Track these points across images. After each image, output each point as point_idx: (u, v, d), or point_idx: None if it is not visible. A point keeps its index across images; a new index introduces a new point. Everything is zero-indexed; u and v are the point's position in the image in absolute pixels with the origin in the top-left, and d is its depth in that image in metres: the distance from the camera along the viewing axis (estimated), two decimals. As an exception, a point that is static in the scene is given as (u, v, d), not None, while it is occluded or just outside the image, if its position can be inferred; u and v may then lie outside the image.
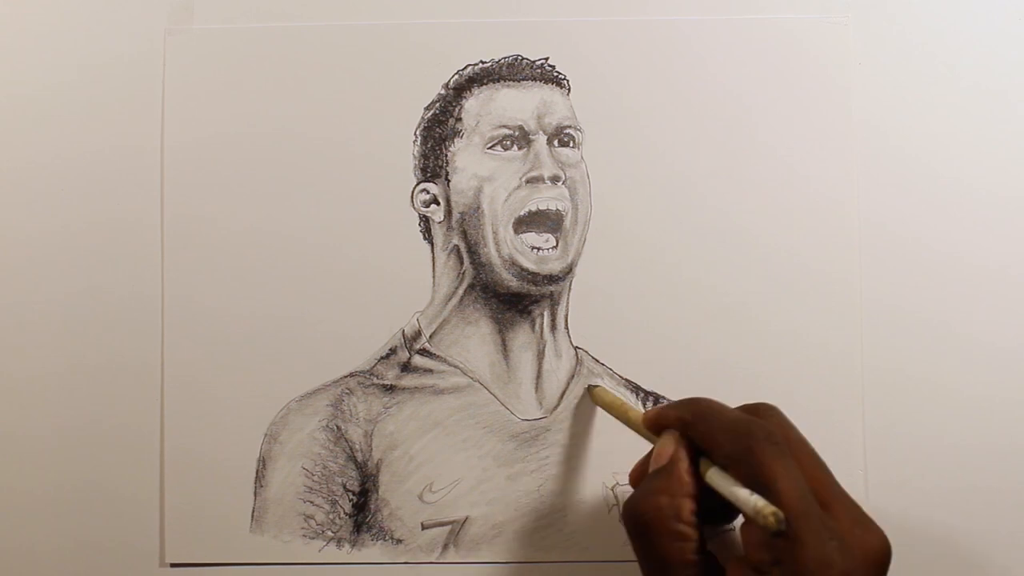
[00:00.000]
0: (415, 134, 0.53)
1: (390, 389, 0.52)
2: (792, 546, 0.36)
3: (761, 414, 0.41)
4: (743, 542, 0.38)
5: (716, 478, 0.39)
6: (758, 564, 0.37)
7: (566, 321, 0.52)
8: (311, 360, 0.52)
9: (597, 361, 0.52)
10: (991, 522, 0.52)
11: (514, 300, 0.52)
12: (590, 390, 0.51)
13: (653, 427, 0.44)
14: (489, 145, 0.52)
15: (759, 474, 0.37)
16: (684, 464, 0.40)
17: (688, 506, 0.39)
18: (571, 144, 0.53)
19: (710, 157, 0.53)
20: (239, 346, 0.52)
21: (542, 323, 0.52)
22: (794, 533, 0.35)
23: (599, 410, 0.52)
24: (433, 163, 0.53)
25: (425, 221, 0.53)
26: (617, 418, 0.48)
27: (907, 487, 0.52)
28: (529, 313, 0.52)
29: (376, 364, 0.52)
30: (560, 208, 0.52)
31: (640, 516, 0.39)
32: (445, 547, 0.52)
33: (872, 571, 0.37)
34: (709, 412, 0.41)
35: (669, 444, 0.41)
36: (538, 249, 0.52)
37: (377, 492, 0.52)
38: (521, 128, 0.52)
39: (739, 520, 0.43)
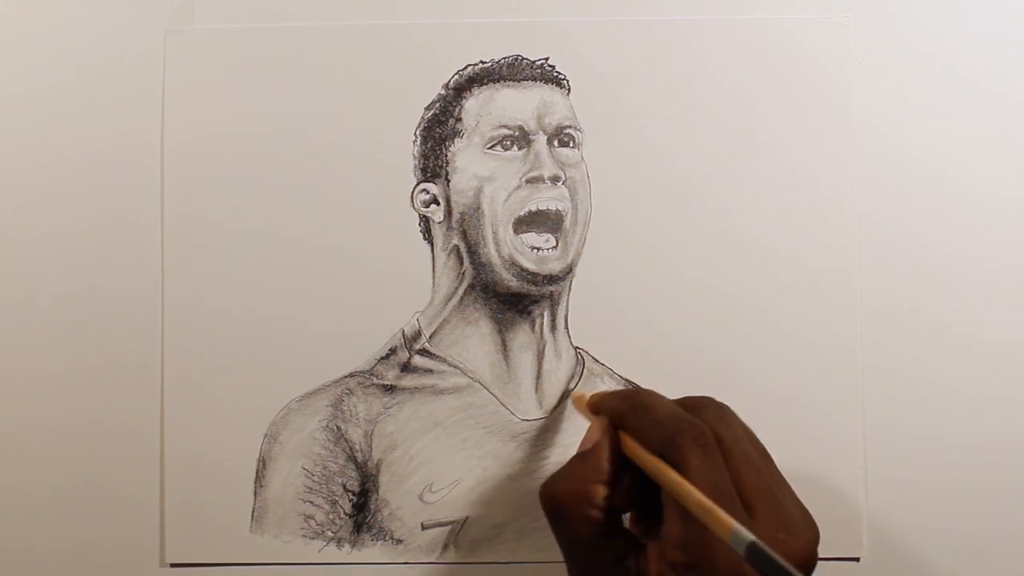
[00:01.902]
0: (415, 134, 0.53)
1: (390, 389, 0.52)
2: (704, 549, 0.36)
3: (699, 410, 0.41)
4: (663, 536, 0.38)
5: (638, 454, 0.40)
6: (673, 562, 0.37)
7: (566, 321, 0.52)
8: (311, 360, 0.52)
9: (597, 361, 0.52)
10: (991, 522, 0.52)
11: (514, 300, 0.52)
12: (571, 399, 0.51)
13: (593, 410, 0.44)
14: (489, 145, 0.52)
15: (677, 469, 0.37)
16: (604, 452, 0.41)
17: (601, 492, 0.40)
18: (571, 144, 0.53)
19: (710, 157, 0.53)
20: (239, 346, 0.52)
21: (542, 323, 0.52)
22: (706, 536, 0.35)
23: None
24: (433, 163, 0.53)
25: (425, 221, 0.53)
26: (582, 415, 0.48)
27: (907, 487, 0.52)
28: (529, 313, 0.52)
29: (376, 364, 0.52)
30: (560, 208, 0.52)
31: (552, 498, 0.40)
32: (445, 547, 0.52)
33: None
34: (643, 406, 0.41)
35: (596, 430, 0.42)
36: (538, 249, 0.52)
37: (377, 492, 0.52)
38: (521, 128, 0.52)
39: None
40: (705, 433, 0.38)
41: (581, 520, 0.40)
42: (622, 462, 0.41)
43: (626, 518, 0.43)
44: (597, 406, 0.44)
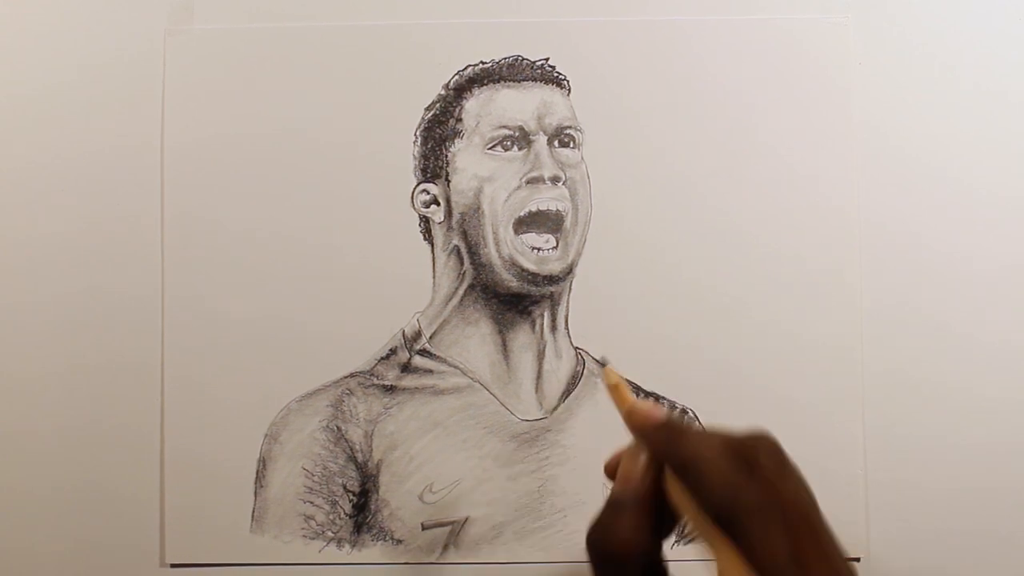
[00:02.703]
0: (415, 135, 0.53)
1: (390, 389, 0.52)
2: None
3: (754, 459, 0.38)
4: None
5: (678, 495, 0.38)
6: None
7: (566, 321, 0.52)
8: (311, 360, 0.52)
9: (597, 361, 0.52)
10: (991, 522, 0.52)
11: (514, 300, 0.52)
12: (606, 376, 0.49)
13: (634, 430, 0.41)
14: (489, 145, 0.52)
15: (742, 544, 0.36)
16: (652, 498, 0.39)
17: (653, 541, 0.39)
18: (571, 144, 0.53)
19: (710, 157, 0.53)
20: (239, 346, 0.52)
21: (542, 323, 0.52)
22: None
23: (599, 410, 0.52)
24: (433, 164, 0.53)
25: (425, 221, 0.53)
26: (610, 395, 0.46)
27: (907, 487, 0.52)
28: (529, 313, 0.52)
29: (376, 364, 0.52)
30: (560, 208, 0.52)
31: (607, 552, 0.38)
32: (445, 547, 0.52)
33: None
34: (694, 462, 0.38)
35: (638, 467, 0.40)
36: (538, 249, 0.52)
37: (377, 492, 0.52)
38: (521, 128, 0.52)
39: None
40: (762, 505, 0.36)
41: (635, 570, 0.38)
42: (662, 501, 0.39)
43: None
44: (642, 430, 0.41)
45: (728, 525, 0.36)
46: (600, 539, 0.39)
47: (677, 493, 0.38)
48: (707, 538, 0.37)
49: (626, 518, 0.39)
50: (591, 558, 0.39)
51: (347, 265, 0.52)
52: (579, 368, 0.52)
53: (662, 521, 0.39)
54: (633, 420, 0.41)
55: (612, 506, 0.40)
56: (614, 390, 0.45)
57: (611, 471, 0.43)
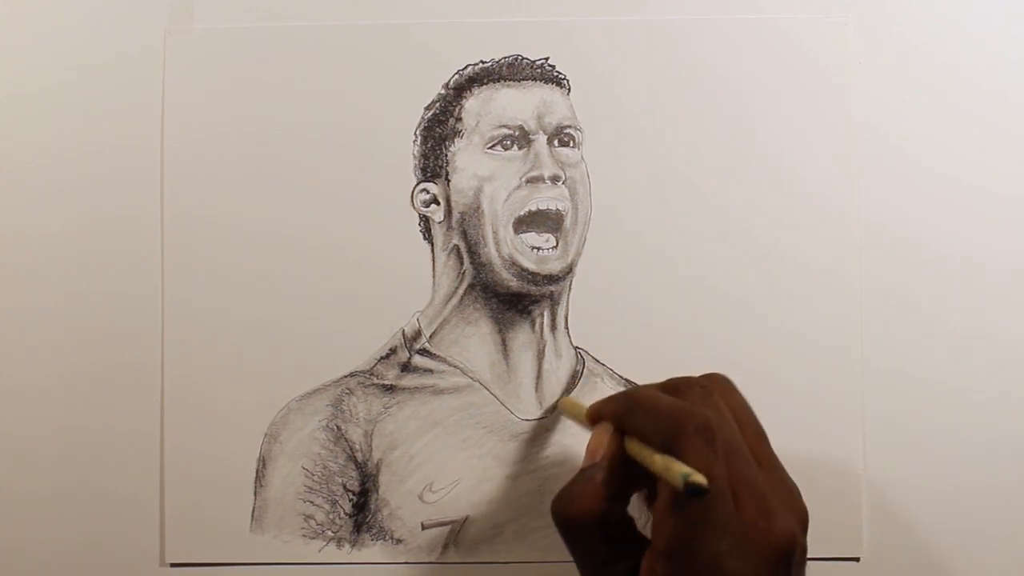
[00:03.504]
0: (415, 134, 0.53)
1: (390, 389, 0.52)
2: (688, 539, 0.36)
3: (684, 393, 0.41)
4: (652, 527, 0.38)
5: (635, 448, 0.40)
6: (659, 552, 0.37)
7: (566, 321, 0.52)
8: (311, 360, 0.52)
9: (597, 361, 0.52)
10: (991, 522, 0.52)
11: (514, 300, 0.52)
12: (558, 404, 0.52)
13: (593, 419, 0.44)
14: (489, 145, 0.52)
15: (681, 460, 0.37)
16: (614, 464, 0.41)
17: (615, 508, 0.41)
18: (571, 144, 0.53)
19: (710, 157, 0.53)
20: (239, 346, 0.52)
21: (542, 323, 0.52)
22: (690, 526, 0.36)
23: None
24: (433, 163, 0.53)
25: (425, 221, 0.53)
26: (576, 422, 0.48)
27: (907, 487, 0.52)
28: (529, 313, 0.52)
29: (376, 364, 0.52)
30: (560, 208, 0.52)
31: (567, 520, 0.40)
32: (445, 547, 0.52)
33: (770, 566, 0.36)
34: (641, 405, 0.41)
35: (602, 439, 0.42)
36: (538, 249, 0.52)
37: (377, 492, 0.52)
38: (521, 128, 0.52)
39: None
40: (705, 422, 0.38)
41: (597, 539, 0.40)
42: (629, 468, 0.41)
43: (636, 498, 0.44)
44: (596, 414, 0.44)
45: (674, 449, 0.38)
46: (559, 507, 0.40)
47: (634, 448, 0.40)
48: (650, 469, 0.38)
49: (585, 484, 0.40)
50: (556, 526, 0.40)
51: (347, 265, 0.52)
52: (579, 368, 0.52)
53: (625, 487, 0.41)
54: (592, 407, 0.44)
55: (577, 476, 0.41)
56: (573, 407, 0.48)
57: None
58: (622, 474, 0.41)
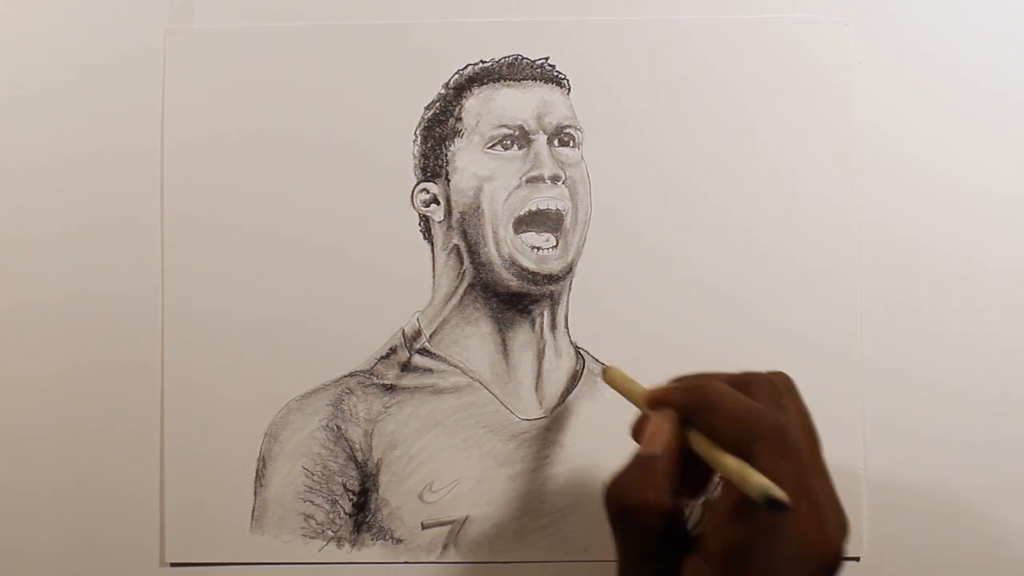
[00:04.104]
0: (415, 134, 0.53)
1: (390, 389, 0.52)
2: (745, 544, 0.36)
3: (754, 392, 0.40)
4: (710, 525, 0.38)
5: (702, 445, 0.39)
6: (711, 554, 0.37)
7: (566, 321, 0.52)
8: (311, 360, 0.52)
9: (597, 361, 0.52)
10: (991, 522, 0.52)
11: (514, 300, 0.52)
12: (605, 372, 0.50)
13: (655, 405, 0.42)
14: (489, 145, 0.52)
15: (756, 467, 0.37)
16: (675, 456, 0.40)
17: (673, 500, 0.39)
18: (571, 144, 0.53)
19: (710, 157, 0.53)
20: (239, 346, 0.52)
21: (542, 323, 0.52)
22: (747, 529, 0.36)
23: (599, 409, 0.52)
24: (433, 163, 0.53)
25: (425, 221, 0.53)
26: (627, 398, 0.47)
27: (907, 487, 0.52)
28: (529, 313, 0.52)
29: (376, 364, 0.52)
30: (560, 208, 0.52)
31: (624, 506, 0.39)
32: (445, 547, 0.52)
33: (818, 574, 0.36)
34: (715, 402, 0.39)
35: (664, 428, 0.41)
36: (538, 249, 0.52)
37: (377, 492, 0.52)
38: (521, 128, 0.52)
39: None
40: (783, 432, 0.37)
41: (654, 532, 0.38)
42: (689, 459, 0.40)
43: None
44: (660, 400, 0.42)
45: (751, 456, 0.37)
46: (621, 495, 0.39)
47: (701, 445, 0.39)
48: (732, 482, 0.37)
49: (646, 475, 0.39)
50: (610, 513, 0.39)
51: (347, 264, 0.52)
52: (579, 367, 0.52)
53: (687, 483, 0.40)
54: (657, 394, 0.42)
55: (637, 463, 0.40)
56: (624, 382, 0.46)
57: (637, 434, 0.44)
58: (680, 466, 0.40)
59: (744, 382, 0.41)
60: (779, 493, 0.35)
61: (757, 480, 0.36)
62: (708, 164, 0.53)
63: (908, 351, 0.52)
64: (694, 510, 0.46)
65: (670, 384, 0.43)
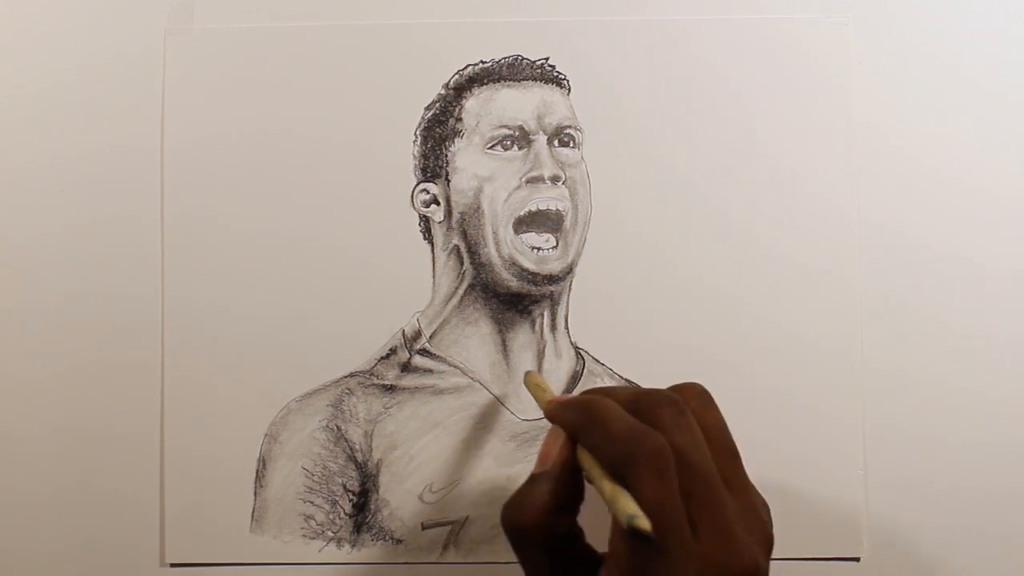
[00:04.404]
0: (415, 134, 0.53)
1: (390, 389, 0.52)
2: (643, 570, 0.35)
3: (656, 413, 0.38)
4: (610, 545, 0.37)
5: (588, 464, 0.38)
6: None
7: (566, 321, 0.52)
8: (311, 360, 0.52)
9: (597, 361, 0.52)
10: (991, 522, 0.52)
11: (514, 300, 0.52)
12: (525, 377, 0.50)
13: (550, 418, 0.42)
14: (489, 145, 0.52)
15: (630, 489, 0.36)
16: (565, 475, 0.39)
17: (564, 520, 0.39)
18: (571, 144, 0.53)
19: (710, 157, 0.53)
20: (239, 346, 0.52)
21: (542, 323, 0.52)
22: (647, 559, 0.35)
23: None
24: (433, 163, 0.53)
25: (425, 221, 0.53)
26: (537, 404, 0.47)
27: (907, 487, 0.52)
28: (529, 313, 0.52)
29: (376, 364, 0.52)
30: (560, 208, 0.52)
31: (515, 529, 0.39)
32: (445, 547, 0.52)
33: None
34: (596, 419, 0.39)
35: (553, 447, 0.40)
36: (538, 249, 0.52)
37: (377, 492, 0.52)
38: (521, 128, 0.52)
39: None
40: (658, 451, 0.36)
41: (543, 550, 0.39)
42: (579, 478, 0.40)
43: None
44: (552, 416, 0.42)
45: (625, 476, 0.36)
46: (508, 514, 0.39)
47: (586, 463, 0.39)
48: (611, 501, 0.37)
49: (535, 494, 0.39)
50: (505, 534, 0.39)
51: (347, 265, 0.52)
52: (579, 368, 0.52)
53: (575, 497, 0.40)
54: (550, 407, 0.42)
55: (526, 483, 0.40)
56: (535, 389, 0.46)
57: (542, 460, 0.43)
58: (571, 484, 0.40)
59: (644, 397, 0.39)
60: (643, 523, 0.34)
61: (623, 506, 0.35)
62: (708, 164, 0.53)
63: (908, 351, 0.52)
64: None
65: (564, 397, 0.43)
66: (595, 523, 0.41)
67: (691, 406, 0.39)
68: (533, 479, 0.40)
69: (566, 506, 0.40)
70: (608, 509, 0.37)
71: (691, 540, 0.35)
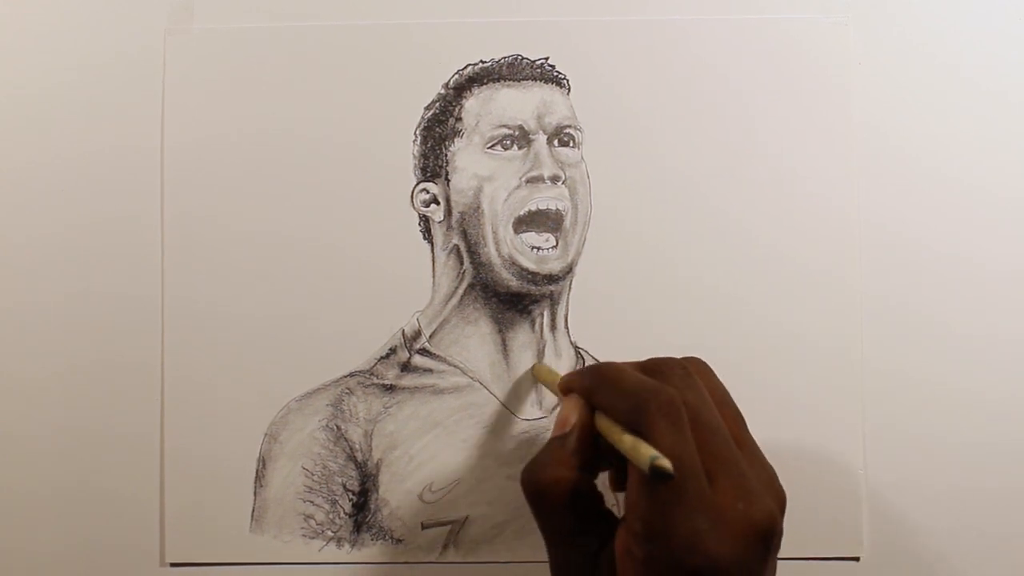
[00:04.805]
0: (415, 134, 0.53)
1: (390, 389, 0.52)
2: (663, 519, 0.36)
3: (664, 374, 0.40)
4: (626, 503, 0.38)
5: (605, 425, 0.40)
6: (635, 533, 0.37)
7: (566, 321, 0.52)
8: (311, 360, 0.52)
9: (597, 361, 0.52)
10: (991, 522, 0.52)
11: (514, 300, 0.52)
12: (533, 369, 0.52)
13: (564, 391, 0.44)
14: (489, 145, 0.52)
15: (645, 439, 0.37)
16: (582, 435, 0.41)
17: (583, 478, 0.40)
18: (571, 144, 0.53)
19: (710, 157, 0.53)
20: (239, 346, 0.52)
21: (542, 323, 0.52)
22: (664, 504, 0.36)
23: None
24: (433, 163, 0.53)
25: (425, 221, 0.53)
26: (550, 391, 0.48)
27: (907, 487, 0.52)
28: (529, 313, 0.52)
29: (376, 364, 0.52)
30: (560, 208, 0.52)
31: (535, 488, 0.40)
32: (445, 547, 0.52)
33: (749, 547, 0.36)
34: (609, 379, 0.40)
35: (572, 411, 0.42)
36: (538, 249, 0.52)
37: (377, 492, 0.52)
38: (521, 128, 0.52)
39: None
40: (671, 401, 0.38)
41: (562, 507, 0.39)
42: (599, 443, 0.41)
43: (605, 477, 0.43)
44: (567, 386, 0.44)
45: (639, 427, 0.37)
46: (529, 475, 0.40)
47: (603, 425, 0.40)
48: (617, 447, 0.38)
49: (554, 454, 0.40)
50: (526, 495, 0.40)
51: (347, 265, 0.52)
52: (578, 367, 0.52)
53: (595, 459, 0.41)
54: (563, 381, 0.44)
55: (547, 445, 0.41)
56: (546, 375, 0.47)
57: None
58: (592, 446, 0.41)
59: (652, 366, 0.42)
60: (664, 462, 0.35)
61: (644, 451, 0.36)
62: (708, 164, 0.53)
63: (908, 351, 0.52)
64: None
65: (576, 370, 0.44)
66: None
67: (697, 372, 0.41)
68: (553, 441, 0.41)
69: (586, 464, 0.40)
70: (628, 462, 0.37)
71: (708, 490, 0.36)
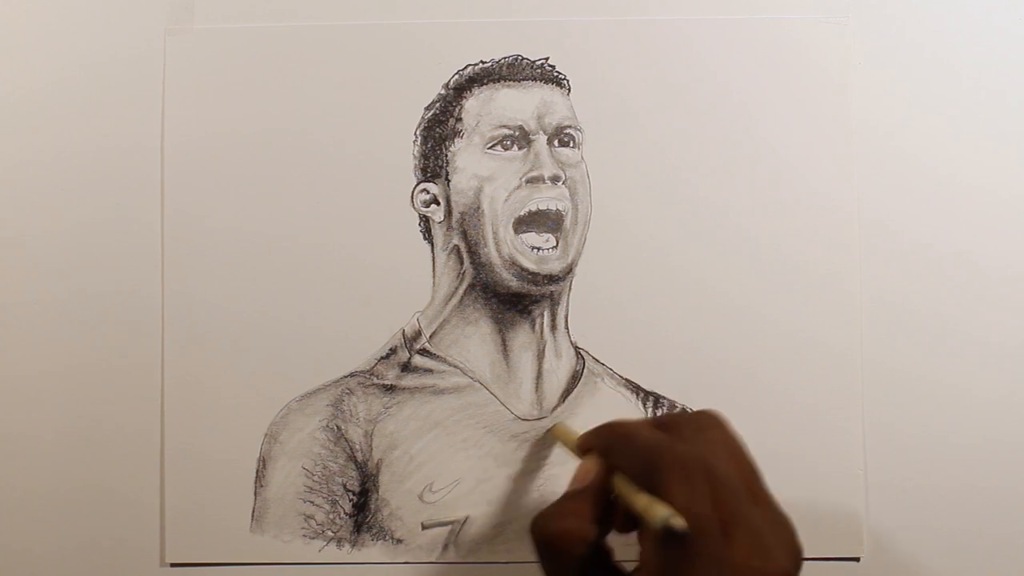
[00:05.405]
0: (415, 134, 0.53)
1: (390, 389, 0.52)
2: (679, 572, 0.35)
3: (677, 429, 0.41)
4: (640, 561, 0.37)
5: (621, 485, 0.40)
6: None
7: (566, 321, 0.52)
8: (311, 360, 0.52)
9: (597, 361, 0.52)
10: (991, 522, 0.52)
11: (514, 300, 0.52)
12: (552, 430, 0.52)
13: (583, 449, 0.44)
14: (489, 145, 0.52)
15: (660, 497, 0.37)
16: (596, 490, 0.41)
17: (593, 531, 0.40)
18: (571, 144, 0.53)
19: (710, 157, 0.53)
20: (239, 346, 0.52)
21: (542, 323, 0.52)
22: (685, 555, 0.35)
23: (599, 409, 0.52)
24: (433, 163, 0.53)
25: (425, 221, 0.53)
26: (569, 449, 0.48)
27: (907, 487, 0.52)
28: (529, 313, 0.52)
29: (376, 364, 0.52)
30: (560, 208, 0.52)
31: (546, 537, 0.40)
32: (445, 547, 0.52)
33: None
34: (622, 437, 0.41)
35: (589, 469, 0.42)
36: (538, 249, 0.52)
37: (377, 492, 0.52)
38: (521, 128, 0.52)
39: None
40: (684, 457, 0.38)
41: (572, 558, 0.39)
42: (613, 503, 0.41)
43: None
44: (585, 446, 0.44)
45: (654, 485, 0.37)
46: (541, 525, 0.40)
47: (620, 485, 0.40)
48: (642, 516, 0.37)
49: (569, 507, 0.40)
50: (535, 542, 0.40)
51: (347, 265, 0.52)
52: (579, 367, 0.52)
53: (608, 515, 0.41)
54: (580, 440, 0.45)
55: (563, 497, 0.42)
56: (564, 435, 0.48)
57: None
58: (605, 502, 0.41)
59: (664, 422, 0.42)
60: (678, 521, 0.35)
61: (657, 510, 0.36)
62: (708, 164, 0.53)
63: (908, 351, 0.52)
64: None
65: (592, 429, 0.45)
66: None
67: (710, 426, 0.41)
68: (567, 495, 0.42)
69: (598, 518, 0.40)
70: (641, 525, 0.37)
71: (723, 546, 0.36)
